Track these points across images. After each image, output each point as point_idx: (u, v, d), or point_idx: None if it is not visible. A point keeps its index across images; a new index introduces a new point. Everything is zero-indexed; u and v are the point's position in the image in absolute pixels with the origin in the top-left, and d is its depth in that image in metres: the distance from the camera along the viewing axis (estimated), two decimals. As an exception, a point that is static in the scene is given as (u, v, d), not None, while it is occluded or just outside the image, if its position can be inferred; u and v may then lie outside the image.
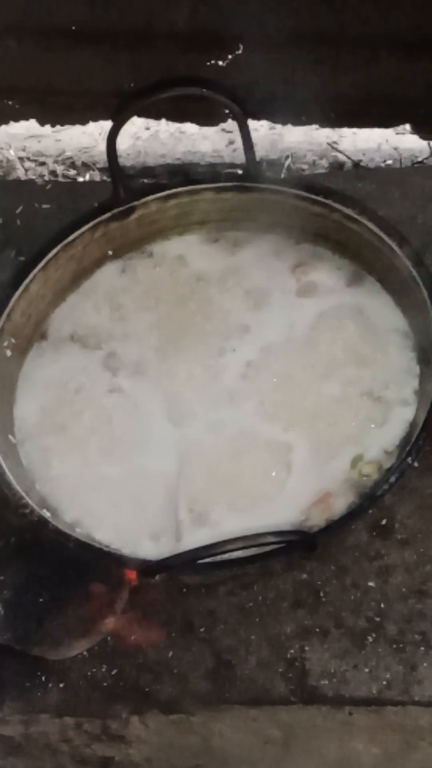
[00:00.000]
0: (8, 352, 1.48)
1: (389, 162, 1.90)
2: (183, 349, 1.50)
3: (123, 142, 1.58)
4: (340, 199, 1.52)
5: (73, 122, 1.90)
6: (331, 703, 1.28)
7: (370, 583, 1.35)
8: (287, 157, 1.90)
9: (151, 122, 1.92)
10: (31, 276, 1.51)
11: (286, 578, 1.35)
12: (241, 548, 1.21)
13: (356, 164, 1.90)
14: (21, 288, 1.50)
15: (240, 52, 1.71)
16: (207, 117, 1.85)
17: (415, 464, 1.35)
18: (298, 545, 1.27)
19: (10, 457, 1.40)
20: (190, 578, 1.34)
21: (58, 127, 1.92)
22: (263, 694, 1.29)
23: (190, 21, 1.64)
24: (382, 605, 1.33)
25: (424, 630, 1.31)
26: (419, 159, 1.89)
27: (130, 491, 1.40)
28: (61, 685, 1.31)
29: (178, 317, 1.53)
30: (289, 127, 1.85)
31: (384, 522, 1.38)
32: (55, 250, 1.54)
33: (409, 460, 1.31)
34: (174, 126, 1.92)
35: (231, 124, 1.88)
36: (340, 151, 1.91)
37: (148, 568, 1.27)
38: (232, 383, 1.47)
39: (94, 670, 1.31)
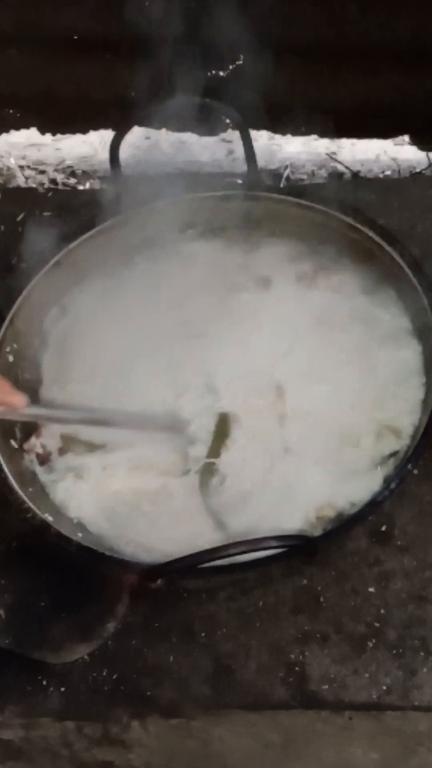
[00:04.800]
0: (10, 358, 1.48)
1: (387, 173, 1.91)
2: (183, 357, 1.50)
3: (123, 151, 1.59)
4: (341, 208, 1.53)
5: (73, 131, 1.91)
6: (330, 707, 1.29)
7: (370, 589, 1.35)
8: (286, 166, 1.91)
9: (152, 132, 1.93)
10: (33, 283, 1.52)
11: (286, 584, 1.36)
12: (242, 552, 1.21)
13: (355, 174, 1.91)
14: (23, 294, 1.51)
15: (240, 62, 1.72)
16: (207, 127, 1.86)
17: (415, 471, 1.35)
18: (298, 550, 1.27)
19: (13, 462, 1.40)
20: (191, 583, 1.34)
21: (58, 135, 1.93)
22: (263, 698, 1.29)
23: (192, 31, 1.65)
24: (382, 611, 1.33)
25: (423, 635, 1.31)
26: (417, 170, 1.90)
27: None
28: (62, 689, 1.31)
29: (180, 323, 1.53)
30: (289, 137, 1.86)
31: (384, 528, 1.39)
32: (56, 257, 1.55)
33: (409, 466, 1.31)
34: (174, 136, 1.93)
35: (230, 134, 1.89)
36: (338, 162, 1.92)
37: (149, 572, 1.27)
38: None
39: (94, 674, 1.32)
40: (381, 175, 1.91)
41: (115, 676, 1.31)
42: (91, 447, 1.46)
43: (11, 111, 1.89)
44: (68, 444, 1.46)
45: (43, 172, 1.97)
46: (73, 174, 1.97)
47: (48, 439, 1.46)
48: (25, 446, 1.44)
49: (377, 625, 1.33)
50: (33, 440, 1.45)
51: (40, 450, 1.45)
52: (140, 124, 1.71)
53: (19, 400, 1.32)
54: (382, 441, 1.40)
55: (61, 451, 1.46)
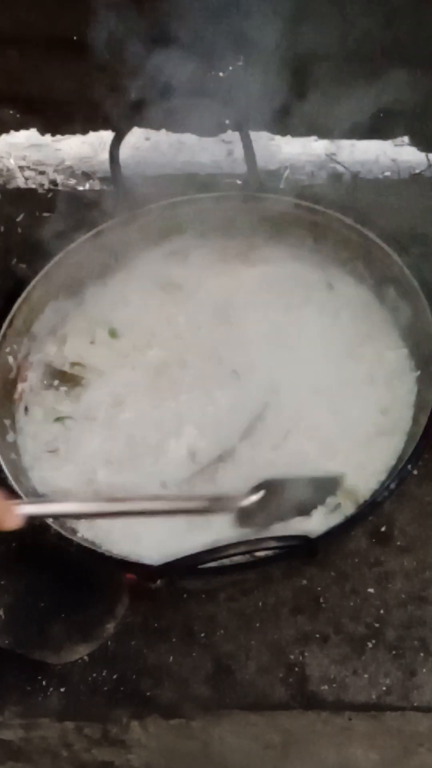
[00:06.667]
0: (10, 359, 1.49)
1: (387, 174, 1.90)
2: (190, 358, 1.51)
3: (123, 152, 1.58)
4: (340, 209, 1.54)
5: (73, 132, 1.90)
6: (330, 708, 1.29)
7: (370, 590, 1.35)
8: (286, 167, 1.91)
9: (151, 133, 1.92)
10: (32, 283, 1.52)
11: (285, 584, 1.36)
12: (242, 553, 1.21)
13: (354, 175, 1.91)
14: (23, 295, 1.51)
15: (240, 63, 1.72)
16: (206, 128, 1.86)
17: (415, 472, 1.35)
18: (298, 550, 1.27)
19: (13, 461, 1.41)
20: (191, 584, 1.34)
21: (58, 136, 1.92)
22: (263, 699, 1.29)
23: (192, 32, 1.65)
24: (382, 611, 1.34)
25: (423, 636, 1.32)
26: (417, 171, 1.90)
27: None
28: (62, 690, 1.31)
29: (181, 329, 1.54)
30: (288, 138, 1.86)
31: (383, 529, 1.39)
32: (56, 258, 1.55)
33: (409, 467, 1.32)
34: (173, 137, 1.92)
35: (230, 135, 1.89)
36: (338, 163, 1.92)
37: (149, 572, 1.27)
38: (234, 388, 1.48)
39: (94, 674, 1.32)
40: (380, 176, 1.90)
41: (114, 677, 1.32)
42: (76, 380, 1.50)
43: (11, 111, 1.89)
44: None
45: (43, 172, 1.97)
46: (72, 175, 1.96)
47: (33, 374, 1.52)
48: (15, 396, 1.47)
49: (377, 625, 1.33)
50: (19, 386, 1.48)
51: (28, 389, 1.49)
52: (140, 125, 1.72)
53: (12, 519, 1.15)
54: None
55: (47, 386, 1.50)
